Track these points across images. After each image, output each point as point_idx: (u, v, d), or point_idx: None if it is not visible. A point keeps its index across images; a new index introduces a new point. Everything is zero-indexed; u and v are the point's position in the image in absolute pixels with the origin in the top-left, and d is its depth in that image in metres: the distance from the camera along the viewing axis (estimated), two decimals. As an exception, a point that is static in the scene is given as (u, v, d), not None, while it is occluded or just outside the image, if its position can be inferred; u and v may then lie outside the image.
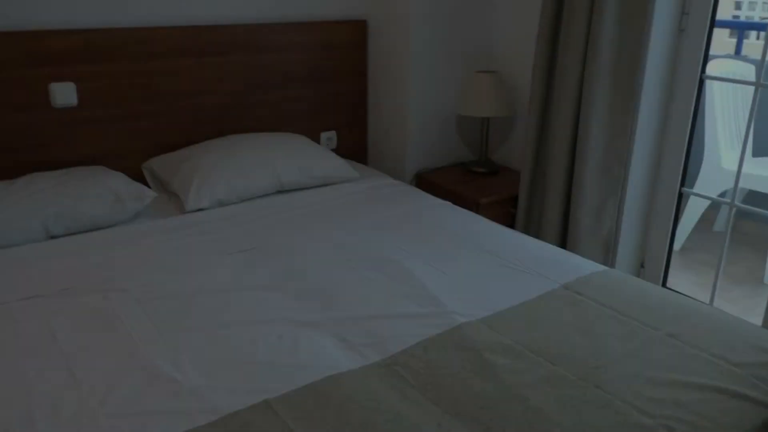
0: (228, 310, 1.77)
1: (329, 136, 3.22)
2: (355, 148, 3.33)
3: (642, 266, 2.90)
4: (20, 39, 2.31)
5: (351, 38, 3.15)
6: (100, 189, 2.27)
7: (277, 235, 2.25)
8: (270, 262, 2.04)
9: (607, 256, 2.73)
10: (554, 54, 2.70)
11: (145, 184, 2.62)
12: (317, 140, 3.17)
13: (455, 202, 2.68)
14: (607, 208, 2.67)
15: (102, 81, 2.52)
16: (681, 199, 2.76)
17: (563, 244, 2.77)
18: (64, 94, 2.45)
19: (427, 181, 3.11)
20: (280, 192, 2.65)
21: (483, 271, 2.03)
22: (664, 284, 2.87)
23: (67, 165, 2.49)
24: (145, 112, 2.65)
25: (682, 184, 2.72)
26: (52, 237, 2.17)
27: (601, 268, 2.07)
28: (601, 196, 2.66)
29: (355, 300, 1.83)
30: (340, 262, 2.06)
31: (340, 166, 2.79)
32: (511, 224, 2.90)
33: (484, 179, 3.09)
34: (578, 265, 2.08)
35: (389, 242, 2.21)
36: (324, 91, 3.13)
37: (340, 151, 3.19)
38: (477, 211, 2.74)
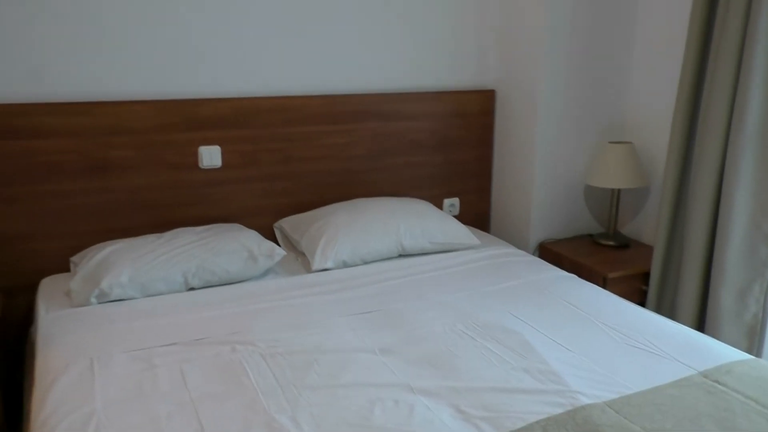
0: (347, 370, 1.79)
1: (452, 203, 3.25)
2: (477, 216, 3.32)
3: (794, 357, 2.62)
4: (179, 106, 2.57)
5: (479, 107, 3.20)
6: (236, 245, 2.41)
7: (398, 299, 2.27)
8: (390, 326, 2.06)
9: (753, 344, 2.48)
10: (693, 125, 2.59)
11: (276, 242, 2.76)
12: (440, 206, 3.20)
13: (580, 275, 2.58)
14: (753, 291, 2.45)
15: (243, 145, 2.72)
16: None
17: (701, 327, 2.57)
18: (210, 156, 2.66)
19: (551, 252, 3.03)
20: (402, 256, 2.68)
21: (609, 349, 1.92)
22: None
23: (208, 221, 2.68)
24: (280, 174, 2.82)
25: (843, 269, 2.45)
26: (191, 288, 2.32)
27: (746, 356, 1.89)
28: (746, 277, 2.45)
29: (474, 370, 1.79)
30: (460, 330, 2.03)
31: (462, 232, 2.79)
32: (641, 302, 2.74)
33: (612, 252, 2.96)
34: (719, 352, 1.91)
35: (510, 312, 2.16)
36: (449, 158, 3.18)
37: (463, 217, 3.19)
38: (604, 286, 2.62)
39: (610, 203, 3.07)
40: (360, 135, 2.95)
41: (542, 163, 3.05)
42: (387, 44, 2.96)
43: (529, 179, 3.09)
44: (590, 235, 3.18)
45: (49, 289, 2.33)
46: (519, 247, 2.96)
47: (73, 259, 2.43)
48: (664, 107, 2.89)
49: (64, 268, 2.46)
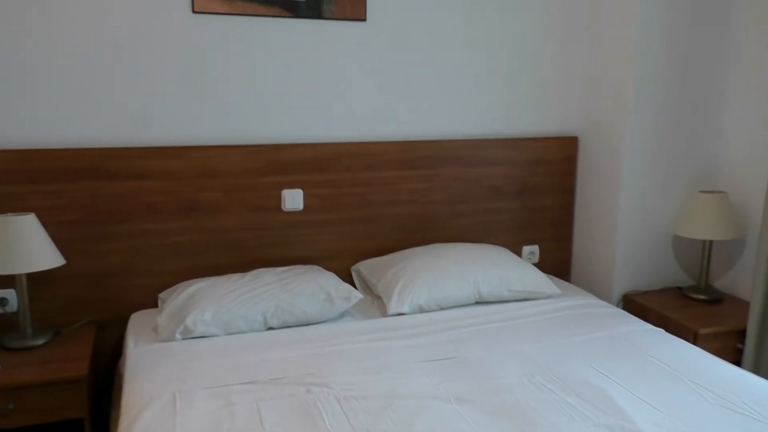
0: (421, 418, 1.76)
1: (532, 250, 3.19)
2: (558, 264, 3.24)
3: None
4: (265, 151, 2.67)
5: (560, 154, 3.16)
6: (314, 287, 2.45)
7: (474, 347, 2.23)
8: (466, 374, 2.02)
9: None
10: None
11: (353, 285, 2.79)
12: (519, 254, 3.15)
13: (669, 330, 2.45)
14: None
15: (324, 189, 2.79)
16: None
17: (804, 390, 2.37)
18: (293, 199, 2.74)
19: (637, 304, 2.90)
20: (479, 303, 2.65)
21: (700, 410, 1.80)
22: None
23: (289, 262, 2.75)
24: (359, 217, 2.86)
25: None
26: (270, 328, 2.37)
27: None
28: None
29: (552, 424, 1.72)
30: (538, 382, 1.97)
31: (541, 281, 2.73)
32: (736, 361, 2.57)
33: (704, 307, 2.81)
34: (826, 419, 1.76)
35: (592, 366, 2.07)
36: (529, 205, 3.14)
37: (543, 266, 3.12)
38: (695, 342, 2.48)
39: (702, 255, 2.92)
40: (439, 180, 2.96)
41: (627, 212, 2.96)
42: (467, 91, 2.99)
43: (613, 228, 2.99)
44: (679, 288, 3.03)
45: (138, 323, 2.44)
46: (602, 298, 2.86)
47: (162, 295, 2.54)
48: (760, 156, 2.76)
49: (153, 303, 2.58)
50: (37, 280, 2.37)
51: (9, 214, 2.27)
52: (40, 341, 2.30)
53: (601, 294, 3.00)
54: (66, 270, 2.40)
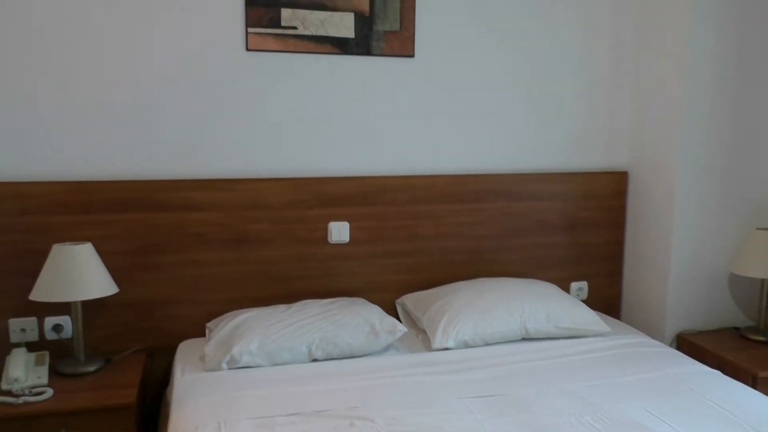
0: (465, 457, 1.72)
1: (580, 286, 3.12)
2: (607, 301, 3.17)
3: None
4: (312, 184, 2.72)
5: (610, 188, 3.11)
6: (359, 320, 2.45)
7: (520, 384, 2.18)
8: (512, 413, 1.97)
9: None
10: None
11: (398, 318, 2.78)
12: (567, 290, 3.09)
13: (725, 372, 2.35)
14: None
15: (371, 221, 2.80)
16: None
17: None
18: (339, 231, 2.77)
19: (691, 345, 2.79)
20: (525, 339, 2.60)
21: (763, 459, 1.72)
22: None
23: (334, 294, 2.76)
24: (405, 251, 2.86)
25: None
26: (314, 360, 2.37)
27: None
28: None
29: (603, 469, 1.66)
30: (587, 422, 1.91)
31: (590, 318, 2.66)
32: (800, 407, 2.43)
33: (763, 349, 2.68)
34: None
35: (644, 407, 2.00)
36: (578, 240, 3.09)
37: (591, 302, 3.05)
38: (754, 386, 2.37)
39: (760, 294, 2.81)
40: (486, 214, 2.95)
41: (680, 249, 2.88)
42: (514, 124, 2.99)
43: (665, 265, 2.91)
44: (736, 328, 2.91)
45: (186, 352, 2.48)
46: (653, 337, 2.77)
47: (209, 325, 2.58)
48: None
49: (200, 332, 2.61)
50: (91, 308, 2.45)
51: (67, 243, 2.35)
52: (92, 368, 2.35)
53: (653, 333, 2.91)
54: (118, 298, 2.46)
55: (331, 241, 2.76)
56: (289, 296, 2.71)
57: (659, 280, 2.95)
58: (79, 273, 2.27)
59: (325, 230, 2.75)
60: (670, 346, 2.84)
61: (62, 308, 2.42)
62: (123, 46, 2.48)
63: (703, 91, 2.79)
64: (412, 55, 2.79)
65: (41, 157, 2.45)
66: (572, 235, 3.08)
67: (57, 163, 2.46)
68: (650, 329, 2.95)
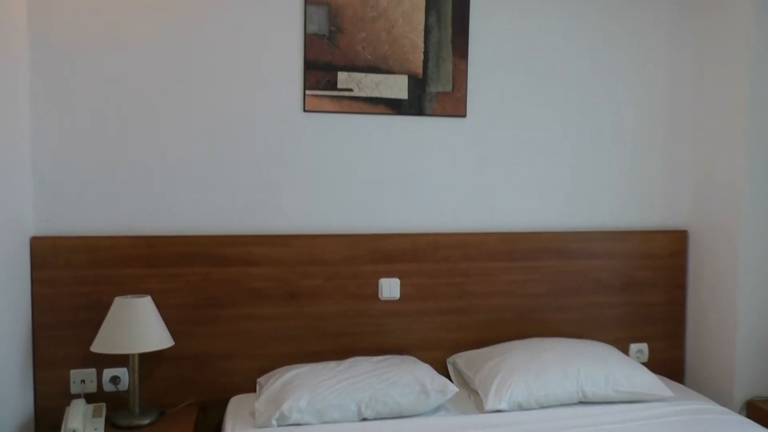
0: None
1: (640, 348, 3.01)
2: (669, 365, 3.04)
3: None
4: (364, 240, 2.75)
5: (669, 248, 3.03)
6: (409, 378, 2.43)
7: (576, 450, 2.10)
8: (567, 480, 1.89)
9: None
10: None
11: (449, 377, 2.73)
12: (626, 351, 2.99)
13: (801, 444, 2.20)
14: None
15: (422, 278, 2.80)
16: None
17: None
18: (390, 288, 2.78)
19: (763, 412, 2.63)
20: (582, 403, 2.51)
21: None
22: None
23: (384, 351, 2.75)
24: (456, 308, 2.84)
25: None
26: (363, 419, 2.35)
27: None
28: None
29: None
30: (649, 495, 1.81)
31: (651, 382, 2.56)
32: None
33: (843, 420, 2.51)
34: None
35: (711, 481, 1.88)
36: (636, 300, 3.00)
37: (652, 365, 2.93)
38: (833, 460, 2.21)
39: (836, 361, 2.65)
40: (540, 272, 2.91)
41: (746, 310, 2.76)
42: (567, 181, 2.98)
43: (731, 327, 2.79)
44: (812, 397, 2.74)
45: (237, 407, 2.49)
46: (721, 403, 2.63)
47: (260, 380, 2.60)
48: None
49: (252, 387, 2.63)
50: (149, 360, 2.51)
51: (129, 296, 2.44)
52: (147, 420, 2.39)
53: (720, 399, 2.76)
54: (175, 351, 2.52)
55: (382, 298, 2.77)
56: (340, 352, 2.71)
57: (726, 344, 2.82)
58: (138, 326, 2.34)
59: (377, 286, 2.77)
60: (740, 413, 2.69)
61: (121, 360, 2.49)
62: (191, 106, 2.62)
63: (764, 148, 2.72)
64: (464, 115, 2.83)
65: (113, 212, 2.57)
66: (630, 294, 3.00)
67: (127, 218, 2.58)
68: (717, 395, 2.81)
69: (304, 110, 2.70)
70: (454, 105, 2.81)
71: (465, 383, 2.69)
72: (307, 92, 2.69)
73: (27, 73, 2.46)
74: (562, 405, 2.48)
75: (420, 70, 2.77)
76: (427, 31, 2.76)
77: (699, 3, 3.00)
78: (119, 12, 2.53)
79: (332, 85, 2.70)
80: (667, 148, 3.06)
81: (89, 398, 2.48)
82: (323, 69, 2.69)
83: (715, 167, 2.90)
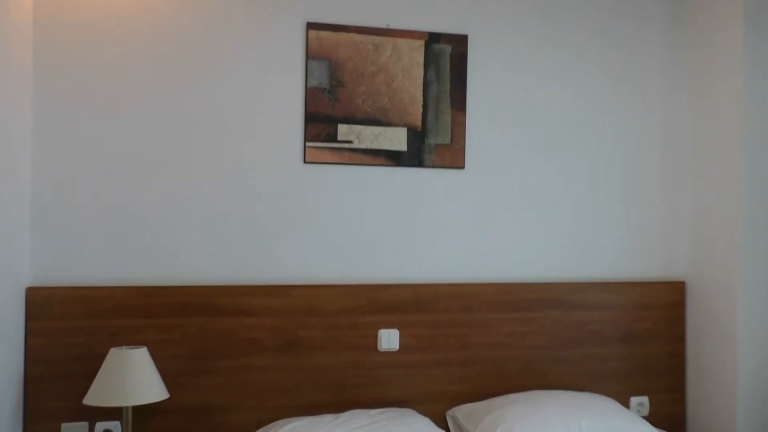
0: None
1: (641, 401, 2.98)
2: (671, 418, 3.00)
3: None
4: (364, 290, 2.74)
5: (667, 299, 3.04)
6: (409, 432, 2.38)
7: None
8: None
9: None
10: None
11: (448, 431, 2.68)
12: (627, 405, 2.95)
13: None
14: None
15: (421, 329, 2.78)
16: None
17: None
18: (389, 339, 2.75)
19: (767, 469, 2.60)
20: (584, 458, 2.46)
21: None
22: None
23: (383, 404, 2.70)
24: (456, 360, 2.81)
25: None
26: (363, 474, 2.30)
27: None
28: None
29: None
30: None
31: (654, 436, 2.52)
32: None
33: None
34: None
35: None
36: (636, 352, 2.99)
37: (654, 419, 2.90)
38: None
39: (839, 414, 2.62)
40: (539, 324, 2.90)
41: (747, 362, 2.74)
42: (565, 232, 3.00)
43: (731, 379, 2.76)
44: (816, 452, 2.70)
45: (233, 461, 2.44)
46: (725, 460, 2.59)
47: (257, 434, 2.55)
48: None
49: (248, 441, 2.58)
50: (143, 412, 2.45)
51: (124, 347, 2.40)
52: (140, 475, 2.33)
53: (723, 454, 2.73)
54: (170, 403, 2.47)
55: (381, 349, 2.74)
56: (339, 404, 2.66)
57: (727, 396, 2.79)
58: (132, 377, 2.30)
59: (376, 337, 2.74)
60: (744, 469, 2.65)
61: (114, 413, 2.44)
62: (191, 156, 2.65)
63: (760, 196, 2.75)
64: (462, 167, 2.87)
65: (110, 262, 2.56)
66: (629, 346, 2.98)
67: (124, 268, 2.57)
68: (720, 450, 2.77)
69: (305, 161, 2.73)
70: (453, 156, 2.85)
71: (465, 437, 2.64)
72: (308, 144, 2.72)
73: (30, 126, 2.48)
74: (564, 460, 2.44)
75: (419, 123, 2.82)
76: (426, 85, 2.82)
77: (691, 60, 3.09)
78: (121, 61, 2.59)
79: (332, 137, 2.74)
80: (664, 198, 3.09)
81: (81, 453, 2.42)
82: (324, 121, 2.73)
83: (712, 218, 2.93)
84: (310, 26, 2.72)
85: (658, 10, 3.10)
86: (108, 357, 2.34)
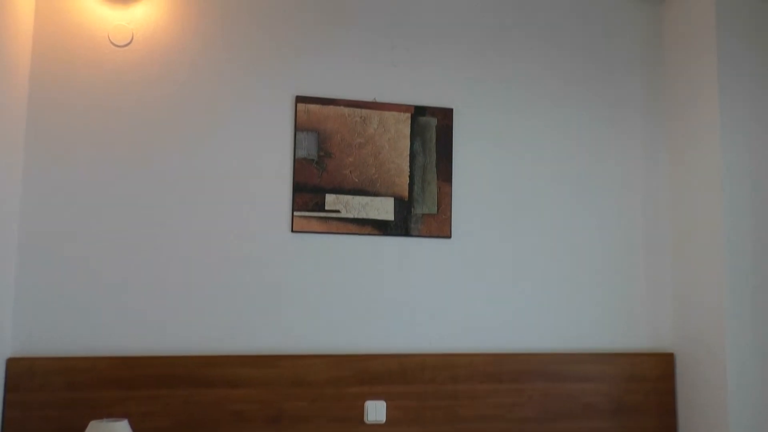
0: None
1: (634, 476, 2.91)
2: (665, 494, 2.92)
3: None
4: (350, 361, 2.71)
5: (657, 371, 3.00)
6: None
7: None
8: None
9: None
10: None
11: None
12: (620, 480, 2.88)
13: None
14: None
15: (409, 400, 2.74)
16: None
17: None
18: (376, 411, 2.70)
19: None
20: None
21: None
22: None
23: (369, 480, 2.63)
24: (444, 433, 2.76)
25: None
26: None
27: None
28: None
29: None
30: None
31: None
32: None
33: None
34: None
35: None
36: (627, 425, 2.93)
37: (648, 495, 2.82)
38: None
39: (835, 491, 2.56)
40: (528, 395, 2.85)
41: (739, 436, 2.69)
42: (553, 303, 2.99)
43: (724, 454, 2.71)
44: None
45: None
46: None
47: None
48: None
49: None
50: (121, 489, 2.38)
51: (105, 419, 2.36)
52: None
53: None
54: (149, 479, 2.41)
55: (367, 421, 2.69)
56: (323, 481, 2.59)
57: (720, 472, 2.73)
58: (113, 451, 2.25)
59: (362, 409, 2.70)
60: None
61: (92, 489, 2.36)
62: (178, 225, 2.67)
63: (746, 265, 2.77)
64: (449, 236, 2.90)
65: (92, 332, 2.54)
66: (619, 420, 2.93)
67: (106, 339, 2.55)
68: None
69: (292, 231, 2.76)
70: (439, 226, 2.89)
71: None
72: (295, 213, 2.75)
73: (18, 195, 2.52)
74: None
75: (406, 193, 2.86)
76: (412, 156, 2.89)
77: (669, 129, 3.17)
78: (112, 131, 2.64)
79: (320, 207, 2.77)
80: (648, 268, 3.11)
81: None
82: (311, 191, 2.77)
83: (697, 288, 2.93)
84: (299, 99, 2.80)
85: (637, 84, 3.20)
86: (88, 430, 2.29)
